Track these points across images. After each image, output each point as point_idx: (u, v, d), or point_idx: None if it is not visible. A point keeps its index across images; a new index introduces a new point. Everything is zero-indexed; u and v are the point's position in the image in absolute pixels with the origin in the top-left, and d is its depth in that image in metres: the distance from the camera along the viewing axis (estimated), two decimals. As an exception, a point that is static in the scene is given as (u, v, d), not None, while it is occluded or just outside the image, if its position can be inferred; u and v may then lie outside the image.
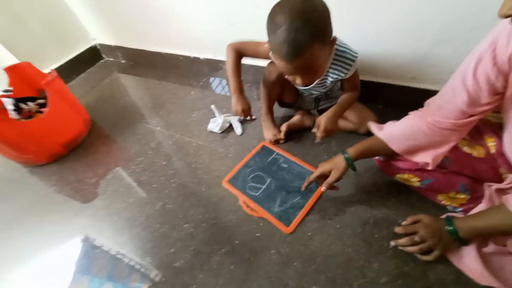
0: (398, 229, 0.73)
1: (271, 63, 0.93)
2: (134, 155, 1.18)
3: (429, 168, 0.67)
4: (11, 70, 1.30)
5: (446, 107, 0.60)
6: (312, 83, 0.87)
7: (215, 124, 1.17)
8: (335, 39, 0.70)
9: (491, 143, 0.69)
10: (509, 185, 0.62)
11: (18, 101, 1.26)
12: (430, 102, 0.66)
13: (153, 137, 1.25)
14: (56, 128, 1.20)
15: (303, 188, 0.85)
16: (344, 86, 0.93)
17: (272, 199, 0.90)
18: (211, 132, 1.19)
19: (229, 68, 0.92)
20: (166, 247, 0.85)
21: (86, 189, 1.10)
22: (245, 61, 0.96)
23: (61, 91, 1.24)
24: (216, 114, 1.17)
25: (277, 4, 0.63)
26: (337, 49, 0.81)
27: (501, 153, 0.65)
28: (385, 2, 0.87)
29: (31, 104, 1.28)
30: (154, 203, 0.98)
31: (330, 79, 0.86)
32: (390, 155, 0.77)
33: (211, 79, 1.53)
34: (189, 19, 1.35)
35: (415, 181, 0.75)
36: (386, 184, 0.87)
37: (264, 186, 0.94)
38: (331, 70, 0.84)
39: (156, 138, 1.24)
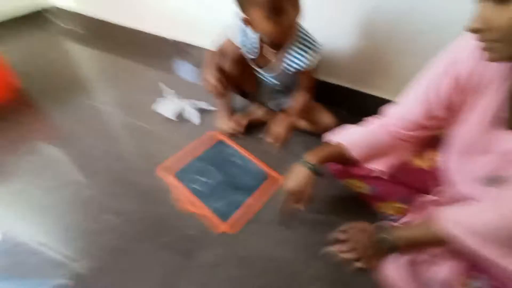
0: (334, 235, 0.71)
1: (228, 41, 0.88)
2: (70, 133, 1.05)
3: (384, 176, 0.66)
4: None
5: (407, 118, 0.60)
6: (276, 64, 0.85)
7: (165, 107, 1.07)
8: None
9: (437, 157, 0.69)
10: (435, 198, 0.62)
11: None
12: (390, 111, 0.64)
13: (97, 117, 1.12)
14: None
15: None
16: (300, 82, 0.90)
17: (215, 194, 0.83)
18: (166, 117, 1.08)
19: (210, 56, 0.91)
20: (86, 239, 0.75)
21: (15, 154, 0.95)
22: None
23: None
24: (165, 93, 1.07)
25: None
26: (301, 31, 0.81)
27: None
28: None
29: None
30: (82, 189, 0.86)
31: (292, 64, 0.84)
32: (343, 162, 0.73)
33: (176, 62, 1.43)
34: None
35: (364, 187, 0.74)
36: (332, 188, 0.84)
37: (210, 180, 0.87)
38: (294, 51, 0.82)
39: (101, 118, 1.11)
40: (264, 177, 0.87)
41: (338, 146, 0.67)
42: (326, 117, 0.94)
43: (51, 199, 0.84)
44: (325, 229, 0.74)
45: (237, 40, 0.85)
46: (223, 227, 0.75)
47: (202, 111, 1.11)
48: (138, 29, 1.47)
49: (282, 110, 1.03)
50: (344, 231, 0.70)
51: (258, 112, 1.03)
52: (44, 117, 1.13)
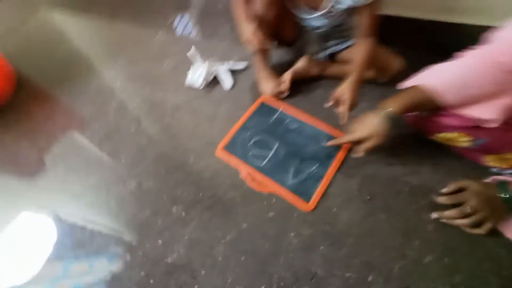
0: (441, 199, 0.62)
1: None
2: (89, 119, 0.89)
3: (495, 125, 0.53)
4: None
5: None
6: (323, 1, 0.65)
7: (197, 75, 0.89)
8: None
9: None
10: None
11: None
12: (497, 37, 0.49)
13: (112, 95, 0.95)
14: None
15: (328, 143, 0.70)
16: (359, 22, 0.70)
17: (283, 169, 0.71)
18: (191, 87, 0.92)
19: (235, 5, 0.73)
20: (151, 238, 0.65)
21: (22, 170, 0.81)
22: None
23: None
24: (197, 61, 0.88)
25: None
26: None
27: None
28: None
29: None
30: (126, 181, 0.74)
31: (343, 2, 0.66)
32: (433, 110, 0.61)
33: (179, 17, 1.18)
34: None
35: (464, 141, 0.61)
36: (416, 144, 0.72)
37: (271, 153, 0.74)
38: None
39: (117, 96, 0.94)
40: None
41: (423, 90, 0.54)
42: (395, 62, 0.77)
43: (98, 195, 0.72)
44: (422, 193, 0.65)
45: None
46: (307, 207, 0.65)
47: (232, 72, 0.93)
48: None
49: (334, 58, 0.87)
50: (455, 193, 0.60)
51: (304, 64, 0.85)
52: (56, 104, 0.95)
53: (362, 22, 0.69)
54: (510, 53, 0.47)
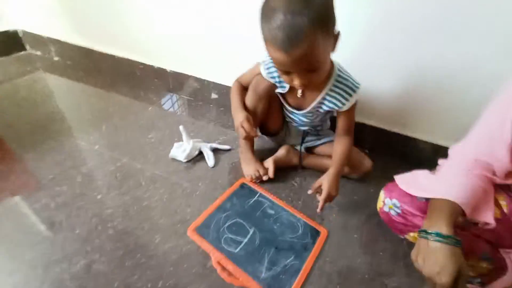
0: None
1: (260, 75, 0.79)
2: (51, 181, 0.81)
3: (491, 227, 0.56)
4: None
5: (491, 162, 0.54)
6: (309, 103, 0.77)
7: (181, 150, 0.91)
8: (339, 34, 0.61)
9: (502, 202, 0.64)
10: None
11: None
12: (465, 153, 0.58)
13: (86, 159, 0.90)
14: None
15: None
16: (338, 123, 0.81)
17: (257, 258, 0.66)
18: (173, 160, 0.92)
19: (232, 94, 0.84)
20: None
21: None
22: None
23: None
24: (184, 137, 0.92)
25: None
26: (339, 75, 0.73)
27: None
28: (395, 38, 0.83)
29: None
30: (72, 261, 0.63)
31: (325, 106, 0.77)
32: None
33: (176, 97, 1.29)
34: (157, 16, 1.13)
35: None
36: (389, 243, 0.74)
37: (245, 240, 0.70)
38: (328, 97, 0.75)
39: (91, 161, 0.90)
40: (313, 232, 0.74)
41: (451, 204, 0.54)
42: (366, 161, 0.87)
43: (33, 275, 0.59)
44: None
45: (267, 72, 0.76)
46: (282, 307, 0.58)
47: (216, 151, 0.97)
48: (128, 58, 1.32)
49: (311, 151, 0.95)
50: None
51: (284, 153, 0.92)
52: (19, 161, 0.88)
53: (341, 123, 0.80)
54: (488, 169, 0.54)
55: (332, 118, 0.92)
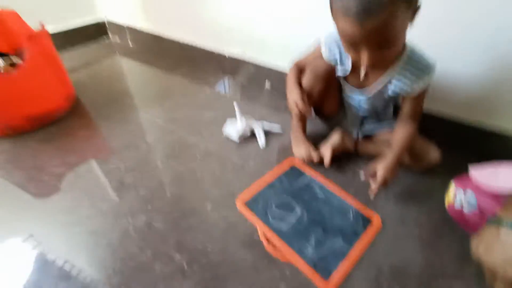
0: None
1: (320, 57, 0.75)
2: (121, 148, 0.92)
3: None
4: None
5: None
6: (373, 85, 0.71)
7: (234, 128, 0.94)
8: (419, 7, 0.54)
9: None
10: None
11: (-13, 54, 0.99)
12: None
13: (150, 130, 1.00)
14: (27, 94, 0.93)
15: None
16: (403, 108, 0.74)
17: (304, 237, 0.65)
18: (227, 138, 0.95)
19: (288, 75, 0.80)
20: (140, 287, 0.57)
21: (45, 180, 0.81)
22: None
23: (46, 51, 0.99)
24: (238, 114, 0.94)
25: None
26: (410, 55, 0.65)
27: None
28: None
29: (0, 62, 1.01)
30: (136, 216, 0.71)
31: (391, 90, 0.70)
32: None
33: (233, 81, 1.33)
34: (222, 3, 1.17)
35: None
36: (457, 242, 0.65)
37: (293, 217, 0.69)
38: (396, 79, 0.68)
39: (155, 132, 0.99)
40: (365, 220, 0.69)
41: None
42: (432, 152, 0.77)
43: (104, 224, 0.68)
44: None
45: (329, 52, 0.72)
46: (322, 284, 0.56)
47: (266, 134, 0.97)
48: (191, 44, 1.41)
49: (369, 138, 0.88)
50: None
51: (339, 139, 0.87)
52: (97, 128, 1.02)
53: (406, 108, 0.73)
54: None
55: (395, 105, 0.84)
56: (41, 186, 0.79)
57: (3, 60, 1.02)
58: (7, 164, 0.86)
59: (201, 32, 1.33)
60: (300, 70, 0.80)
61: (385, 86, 0.71)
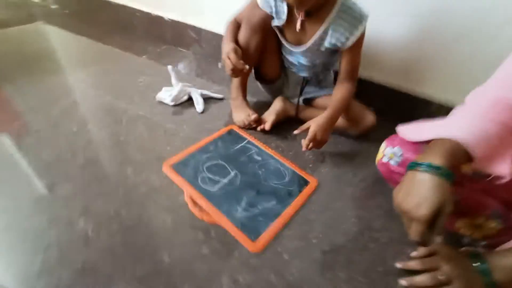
0: (411, 264, 0.51)
1: (256, 8, 0.70)
2: (30, 111, 0.77)
3: (505, 181, 0.47)
4: None
5: None
6: (309, 38, 0.69)
7: (168, 93, 0.85)
8: None
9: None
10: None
11: None
12: (485, 94, 0.49)
13: (68, 94, 0.86)
14: None
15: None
16: (341, 66, 0.73)
17: (234, 198, 0.59)
18: (161, 103, 0.86)
19: (225, 30, 0.75)
20: (30, 252, 0.46)
21: None
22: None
23: None
24: (173, 79, 0.85)
25: None
26: (343, 3, 0.64)
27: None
28: None
29: None
30: (40, 180, 0.58)
31: (328, 40, 0.68)
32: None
33: (174, 49, 1.22)
34: None
35: None
36: (387, 201, 0.66)
37: (224, 180, 0.63)
38: (331, 30, 0.66)
39: (73, 96, 0.85)
40: (301, 182, 0.66)
41: (454, 143, 0.45)
42: (368, 117, 0.78)
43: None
44: (389, 253, 0.54)
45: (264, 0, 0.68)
46: (253, 247, 0.51)
47: (205, 100, 0.90)
48: (125, 4, 1.26)
49: (310, 104, 0.87)
50: (420, 258, 0.51)
51: (281, 105, 0.84)
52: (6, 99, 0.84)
53: (343, 65, 0.72)
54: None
55: (335, 72, 0.84)
56: None
57: None
58: None
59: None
60: (237, 24, 0.75)
61: (321, 39, 0.69)
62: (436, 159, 0.43)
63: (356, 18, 0.64)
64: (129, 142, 0.71)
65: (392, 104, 0.90)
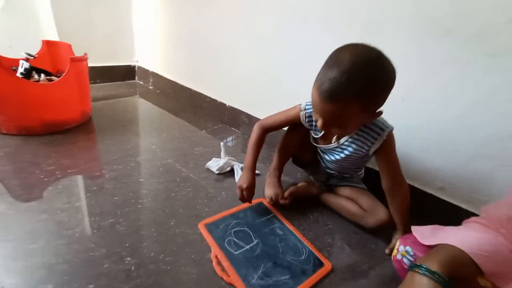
0: None
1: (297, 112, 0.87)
2: (113, 161, 1.01)
3: None
4: (48, 44, 1.31)
5: None
6: (330, 141, 0.82)
7: (215, 163, 1.04)
8: (380, 113, 0.65)
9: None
10: None
11: (34, 69, 1.20)
12: (498, 210, 0.55)
13: (143, 153, 1.11)
14: (49, 102, 1.09)
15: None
16: (380, 172, 0.78)
17: (252, 265, 0.67)
18: (208, 170, 1.04)
19: (250, 143, 0.90)
20: (83, 279, 0.58)
21: (33, 173, 0.88)
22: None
23: (81, 73, 1.20)
24: (222, 153, 1.05)
25: (355, 45, 0.59)
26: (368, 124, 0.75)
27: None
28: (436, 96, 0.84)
29: (43, 77, 1.22)
30: (103, 217, 0.75)
31: (348, 149, 0.80)
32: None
33: (228, 128, 1.49)
34: (232, 64, 1.42)
35: None
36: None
37: (247, 246, 0.72)
38: (350, 140, 0.78)
39: (146, 155, 1.09)
40: (316, 263, 0.71)
41: (459, 251, 0.49)
42: (381, 210, 0.81)
43: (71, 218, 0.72)
44: None
45: (307, 118, 0.84)
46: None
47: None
48: (200, 92, 1.64)
49: (332, 189, 0.96)
50: None
51: (306, 185, 0.95)
52: (99, 144, 1.15)
53: (381, 169, 0.77)
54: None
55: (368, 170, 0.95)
56: (29, 177, 0.86)
57: (45, 75, 1.23)
58: (7, 155, 0.95)
59: (210, 84, 1.58)
60: (263, 136, 0.90)
61: (342, 146, 0.81)
62: (434, 265, 0.47)
63: (377, 130, 0.73)
64: (177, 198, 0.87)
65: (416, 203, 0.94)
